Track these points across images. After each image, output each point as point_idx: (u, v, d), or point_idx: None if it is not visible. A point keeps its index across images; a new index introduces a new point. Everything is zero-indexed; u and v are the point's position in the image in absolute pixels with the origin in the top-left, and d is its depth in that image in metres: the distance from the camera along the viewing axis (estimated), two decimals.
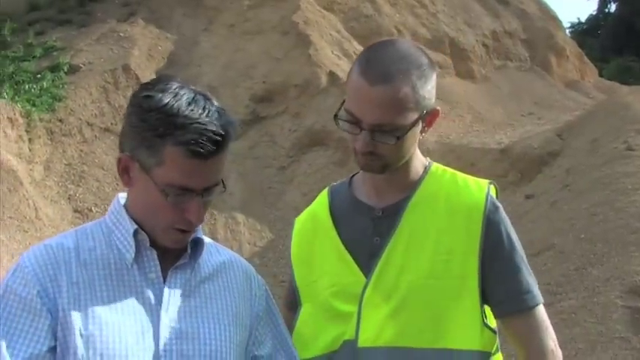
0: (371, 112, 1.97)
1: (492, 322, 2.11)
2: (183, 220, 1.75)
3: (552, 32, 18.27)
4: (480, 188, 2.13)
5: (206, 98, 1.74)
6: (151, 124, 1.68)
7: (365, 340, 2.04)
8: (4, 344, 1.61)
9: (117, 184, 11.96)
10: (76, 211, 11.27)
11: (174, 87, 1.72)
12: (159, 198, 1.72)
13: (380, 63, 1.99)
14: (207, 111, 1.70)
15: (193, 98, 1.71)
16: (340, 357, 2.06)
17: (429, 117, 2.08)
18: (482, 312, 2.07)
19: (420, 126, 2.06)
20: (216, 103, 1.74)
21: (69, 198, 11.48)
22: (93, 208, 11.29)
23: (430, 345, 2.02)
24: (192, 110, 1.68)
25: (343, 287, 2.11)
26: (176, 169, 1.69)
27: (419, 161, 2.18)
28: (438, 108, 2.10)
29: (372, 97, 1.96)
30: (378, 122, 1.97)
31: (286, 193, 12.32)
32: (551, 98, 16.30)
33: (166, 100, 1.69)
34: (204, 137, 1.67)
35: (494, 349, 2.11)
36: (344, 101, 2.06)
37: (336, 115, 2.06)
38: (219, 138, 1.69)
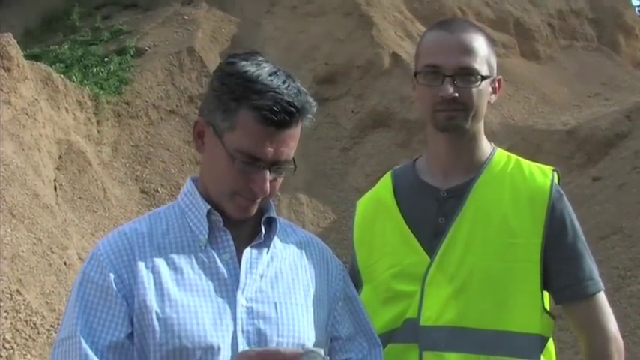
0: (452, 56, 2.07)
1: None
2: (247, 190, 1.73)
3: (621, 11, 17.84)
4: (544, 174, 2.14)
5: (288, 75, 1.75)
6: (229, 88, 1.70)
7: (427, 318, 2.06)
8: (82, 337, 1.63)
9: (182, 166, 12.12)
10: (142, 192, 11.46)
11: (259, 59, 1.75)
12: (226, 163, 1.72)
13: (455, 21, 2.16)
14: (286, 84, 1.71)
15: (275, 72, 1.72)
16: (401, 335, 2.09)
17: (496, 83, 2.18)
18: (543, 297, 2.08)
19: (490, 89, 2.15)
20: (298, 83, 1.75)
21: (136, 179, 11.68)
22: (159, 189, 11.46)
23: (491, 326, 2.03)
24: (271, 80, 1.69)
25: (405, 267, 2.12)
26: (246, 135, 1.69)
27: (485, 143, 2.21)
28: (501, 77, 2.20)
29: (452, 44, 2.08)
30: (459, 66, 2.06)
31: (349, 175, 12.33)
32: (618, 78, 15.94)
33: (248, 68, 1.71)
34: (279, 106, 1.67)
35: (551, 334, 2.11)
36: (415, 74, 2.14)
37: (416, 73, 2.14)
38: (293, 110, 1.69)
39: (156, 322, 1.64)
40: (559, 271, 2.08)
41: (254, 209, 1.78)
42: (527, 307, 2.05)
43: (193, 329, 1.65)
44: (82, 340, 1.62)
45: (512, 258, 2.05)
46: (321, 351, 1.54)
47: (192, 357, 1.64)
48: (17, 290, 5.74)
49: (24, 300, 5.57)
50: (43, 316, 5.53)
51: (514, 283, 2.05)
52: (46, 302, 6.60)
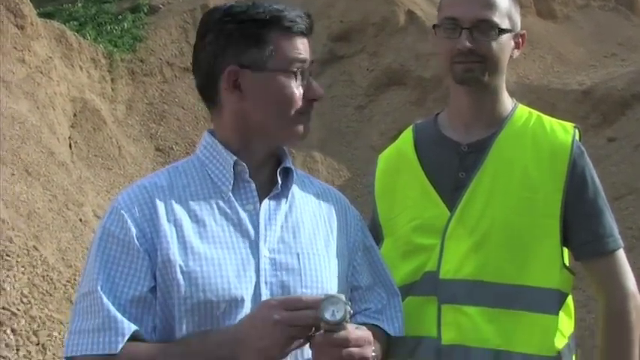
0: (471, 9, 2.07)
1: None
2: (308, 101, 1.77)
3: None
4: (566, 131, 2.13)
5: None
6: (251, 20, 1.73)
7: (447, 271, 2.06)
8: (103, 292, 1.61)
9: (197, 123, 12.13)
10: (157, 149, 11.48)
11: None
12: (287, 85, 1.74)
13: None
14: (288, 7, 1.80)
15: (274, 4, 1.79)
16: (420, 288, 2.09)
17: (519, 38, 2.16)
18: (562, 252, 2.07)
19: (512, 43, 2.14)
20: None
21: (150, 137, 11.70)
22: (174, 146, 11.48)
23: (510, 281, 2.03)
24: (277, 6, 1.76)
25: (425, 220, 2.12)
26: (288, 50, 1.74)
27: (507, 98, 2.20)
28: (525, 31, 2.18)
29: None
30: (477, 18, 2.05)
31: (363, 133, 12.30)
32: (635, 39, 15.74)
33: (252, 2, 1.76)
34: (299, 17, 1.76)
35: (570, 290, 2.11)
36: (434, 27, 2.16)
37: (435, 25, 2.15)
38: (309, 18, 1.79)
39: (180, 276, 1.63)
40: (579, 227, 2.08)
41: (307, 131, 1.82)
42: (547, 262, 2.05)
43: (217, 282, 1.64)
44: (104, 295, 1.61)
45: (533, 213, 2.05)
46: (342, 296, 1.53)
47: (216, 310, 1.63)
48: (33, 246, 5.79)
49: (40, 256, 5.62)
50: (60, 272, 5.58)
51: (534, 238, 2.05)
52: (62, 258, 6.66)
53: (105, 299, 1.60)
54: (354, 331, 1.55)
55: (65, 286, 5.36)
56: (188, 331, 1.63)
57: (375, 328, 1.85)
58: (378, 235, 2.23)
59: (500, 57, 2.10)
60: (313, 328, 1.54)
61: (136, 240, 1.65)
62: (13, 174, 7.63)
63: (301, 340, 1.56)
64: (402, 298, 2.03)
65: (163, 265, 1.64)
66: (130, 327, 1.59)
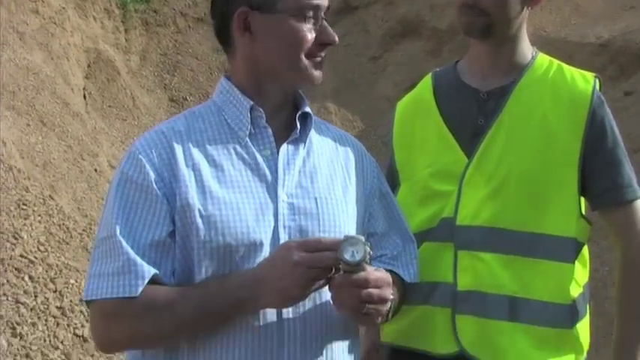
0: None
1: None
2: (319, 45, 1.74)
3: None
4: (586, 80, 2.11)
5: None
6: None
7: (463, 218, 2.06)
8: (122, 236, 1.62)
9: (210, 74, 12.09)
10: (171, 100, 11.47)
11: None
12: (296, 27, 1.71)
13: None
14: None
15: None
16: (437, 234, 2.10)
17: None
18: (580, 202, 2.07)
19: None
20: None
21: (164, 87, 11.68)
22: (188, 97, 11.47)
23: (527, 228, 2.03)
24: None
25: (442, 167, 2.12)
26: None
27: (526, 46, 2.18)
28: None
29: None
30: None
31: (378, 83, 12.23)
32: None
33: None
34: None
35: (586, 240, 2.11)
36: None
37: None
38: None
39: (199, 220, 1.63)
40: (597, 176, 2.07)
41: (320, 75, 1.78)
42: (564, 211, 2.04)
43: (236, 226, 1.64)
44: (123, 239, 1.61)
45: (551, 161, 2.04)
46: (362, 238, 1.53)
47: (235, 254, 1.63)
48: (50, 196, 5.82)
49: (56, 205, 5.65)
50: (76, 221, 5.62)
51: (552, 187, 2.04)
52: (78, 208, 6.70)
53: (124, 243, 1.61)
54: (374, 273, 1.56)
55: (81, 235, 5.40)
56: (207, 275, 1.63)
57: (391, 275, 1.83)
58: (394, 181, 2.23)
59: (504, 11, 2.07)
60: (333, 270, 1.54)
61: (154, 184, 1.65)
62: (28, 124, 7.66)
63: (321, 282, 1.56)
64: (418, 244, 2.03)
65: (182, 209, 1.64)
66: (149, 270, 1.60)
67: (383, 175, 1.99)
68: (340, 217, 1.76)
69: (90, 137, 8.54)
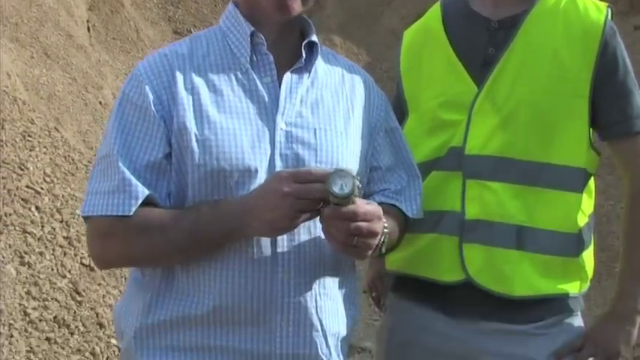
0: None
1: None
2: None
3: None
4: (599, 10, 2.07)
5: None
6: None
7: (472, 147, 2.05)
8: (119, 156, 1.63)
9: (215, 6, 11.96)
10: (175, 32, 11.38)
11: None
12: None
13: None
14: None
15: None
16: (445, 163, 2.09)
17: None
18: (589, 132, 2.06)
19: None
20: None
21: (168, 19, 11.58)
22: (192, 29, 11.36)
23: (536, 158, 2.02)
24: None
25: (452, 97, 2.10)
26: None
27: None
28: None
29: None
30: None
31: (384, 16, 12.10)
32: None
33: None
34: None
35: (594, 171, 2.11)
36: None
37: None
38: None
39: (194, 144, 1.63)
40: (608, 106, 2.05)
41: (294, 6, 1.72)
42: (574, 141, 2.03)
43: (232, 151, 1.64)
44: (120, 159, 1.63)
45: (562, 91, 2.02)
46: (352, 171, 1.52)
47: (229, 179, 1.63)
48: (55, 128, 5.81)
49: (62, 137, 5.65)
50: (81, 153, 5.62)
51: (562, 117, 2.02)
52: (83, 140, 6.71)
53: (121, 163, 1.63)
54: (363, 206, 1.54)
55: (86, 166, 5.41)
56: (201, 200, 1.64)
57: (393, 209, 1.85)
58: (402, 112, 2.21)
59: None
60: (322, 202, 1.54)
61: (152, 106, 1.65)
62: (32, 57, 7.62)
63: (309, 214, 1.56)
64: (425, 173, 2.03)
65: (179, 131, 1.64)
66: (143, 191, 1.62)
67: (391, 110, 1.96)
68: (338, 150, 1.74)
69: (94, 70, 8.50)
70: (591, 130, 2.08)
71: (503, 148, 2.03)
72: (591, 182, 2.11)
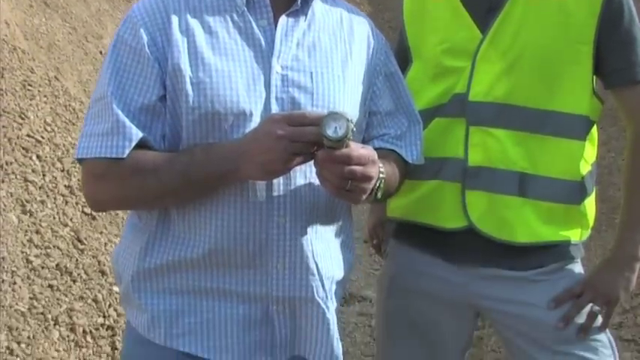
0: None
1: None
2: None
3: None
4: None
5: None
6: None
7: (476, 94, 2.04)
8: (113, 98, 1.63)
9: None
10: None
11: None
12: None
13: None
14: None
15: None
16: (448, 109, 2.08)
17: None
18: (593, 80, 2.05)
19: None
20: None
21: None
22: None
23: (540, 105, 2.02)
24: None
25: (456, 43, 2.08)
26: None
27: None
28: None
29: None
30: None
31: None
32: None
33: None
34: None
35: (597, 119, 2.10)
36: None
37: None
38: None
39: (189, 86, 1.62)
40: (612, 54, 2.03)
41: None
42: (578, 88, 2.02)
43: (226, 94, 1.62)
44: (114, 101, 1.62)
45: (566, 38, 2.00)
46: (346, 113, 1.49)
47: (224, 122, 1.62)
48: (55, 77, 5.78)
49: (62, 86, 5.61)
50: (82, 102, 5.59)
51: (566, 64, 2.01)
52: (84, 90, 6.67)
53: (115, 105, 1.62)
54: (357, 149, 1.52)
55: None
56: (195, 143, 1.63)
57: (392, 154, 1.85)
58: (405, 59, 2.20)
59: None
60: (317, 146, 1.52)
61: (146, 48, 1.64)
62: (31, 5, 7.54)
63: (303, 157, 1.55)
64: (428, 120, 2.02)
65: (174, 73, 1.63)
66: (137, 133, 1.61)
67: (392, 54, 1.94)
68: (335, 94, 1.72)
69: (94, 19, 8.42)
70: (595, 78, 2.06)
71: (507, 95, 2.02)
72: (594, 130, 2.10)
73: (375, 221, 2.52)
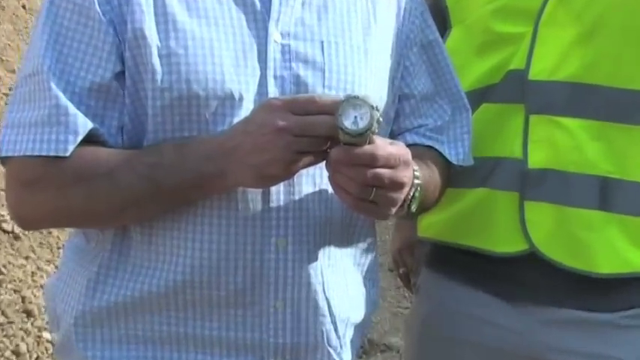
0: None
1: None
2: None
3: None
4: None
5: None
6: None
7: (539, 71, 2.03)
8: (51, 74, 1.58)
9: None
10: None
11: None
12: None
13: None
14: None
15: None
16: (501, 92, 2.09)
17: None
18: None
19: None
20: None
21: None
22: None
23: (628, 85, 2.00)
24: None
25: (511, 0, 2.08)
26: None
27: None
28: None
29: None
30: None
31: None
32: None
33: None
34: None
35: None
36: None
37: None
38: None
39: (156, 60, 1.58)
40: None
41: None
42: None
43: (207, 71, 1.59)
44: (52, 79, 1.58)
45: None
46: (369, 98, 1.47)
47: (204, 109, 1.59)
48: None
49: None
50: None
51: None
52: (1, 59, 6.68)
53: (53, 84, 1.58)
54: (385, 147, 1.50)
55: (6, 95, 5.42)
56: (165, 137, 1.61)
57: (430, 152, 1.85)
58: (442, 24, 2.18)
59: None
60: (330, 141, 1.50)
61: (97, 6, 1.60)
62: None
63: (312, 157, 1.53)
64: (474, 106, 2.01)
65: (136, 42, 1.59)
66: (85, 123, 1.58)
67: (430, 17, 1.94)
68: (355, 71, 1.72)
69: None
70: None
71: (584, 72, 2.01)
72: None
73: (401, 243, 2.55)
